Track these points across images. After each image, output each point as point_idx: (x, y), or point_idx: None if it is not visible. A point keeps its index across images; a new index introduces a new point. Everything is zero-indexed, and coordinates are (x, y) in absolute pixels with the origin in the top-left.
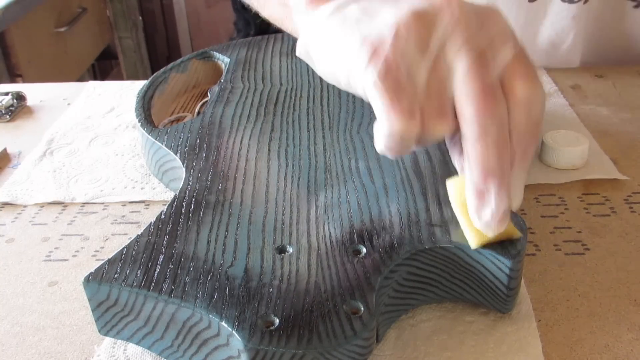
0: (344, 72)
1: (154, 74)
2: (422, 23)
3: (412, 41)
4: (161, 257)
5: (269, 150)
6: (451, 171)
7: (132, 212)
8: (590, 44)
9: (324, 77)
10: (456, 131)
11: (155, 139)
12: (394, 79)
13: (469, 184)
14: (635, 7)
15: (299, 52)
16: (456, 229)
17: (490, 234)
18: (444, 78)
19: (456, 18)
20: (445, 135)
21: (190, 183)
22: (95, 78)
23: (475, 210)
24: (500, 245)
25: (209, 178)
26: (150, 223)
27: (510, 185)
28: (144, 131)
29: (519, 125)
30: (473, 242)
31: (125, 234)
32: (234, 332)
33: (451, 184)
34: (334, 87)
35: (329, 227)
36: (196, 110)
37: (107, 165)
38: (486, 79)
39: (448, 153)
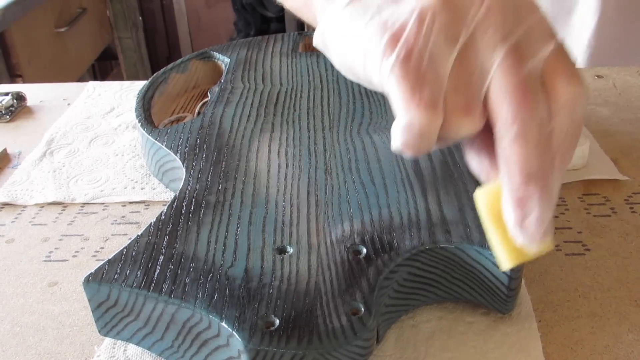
0: (360, 61)
1: (154, 74)
2: (450, 8)
3: (437, 27)
4: (161, 258)
5: (269, 150)
6: (451, 171)
7: (132, 212)
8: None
9: (340, 69)
10: (479, 133)
11: (155, 139)
12: (415, 66)
13: (507, 192)
14: None
15: (316, 41)
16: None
17: (534, 248)
18: (473, 71)
19: (489, 5)
20: (468, 135)
21: (190, 183)
22: (95, 78)
23: (516, 221)
24: None
25: (209, 178)
26: (150, 223)
27: (552, 193)
28: (144, 131)
29: (561, 127)
30: (508, 262)
31: (125, 235)
32: (234, 332)
33: (481, 194)
34: (334, 87)
35: (329, 227)
36: (196, 111)
37: (107, 165)
38: (525, 74)
39: (448, 153)
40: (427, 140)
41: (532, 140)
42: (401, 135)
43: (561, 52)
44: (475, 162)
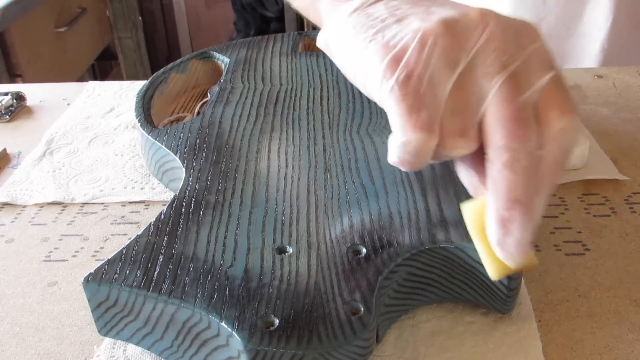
0: (361, 73)
1: (154, 74)
2: (452, 33)
3: (438, 52)
4: (161, 258)
5: (269, 150)
6: (451, 171)
7: (132, 212)
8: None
9: (342, 72)
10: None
11: (155, 139)
12: (414, 88)
13: (491, 212)
14: None
15: (319, 43)
16: (459, 232)
17: (513, 265)
18: (471, 96)
19: (490, 32)
20: (462, 155)
21: (190, 183)
22: (95, 78)
23: (497, 240)
24: None
25: (209, 178)
26: (150, 223)
27: (534, 214)
28: (143, 131)
29: (550, 156)
30: (493, 274)
31: (125, 234)
32: (233, 332)
33: (467, 208)
34: (334, 87)
35: (328, 227)
36: (196, 111)
37: (106, 165)
38: (520, 103)
39: None
40: (422, 158)
41: (521, 169)
42: (398, 152)
43: (558, 82)
44: (464, 176)
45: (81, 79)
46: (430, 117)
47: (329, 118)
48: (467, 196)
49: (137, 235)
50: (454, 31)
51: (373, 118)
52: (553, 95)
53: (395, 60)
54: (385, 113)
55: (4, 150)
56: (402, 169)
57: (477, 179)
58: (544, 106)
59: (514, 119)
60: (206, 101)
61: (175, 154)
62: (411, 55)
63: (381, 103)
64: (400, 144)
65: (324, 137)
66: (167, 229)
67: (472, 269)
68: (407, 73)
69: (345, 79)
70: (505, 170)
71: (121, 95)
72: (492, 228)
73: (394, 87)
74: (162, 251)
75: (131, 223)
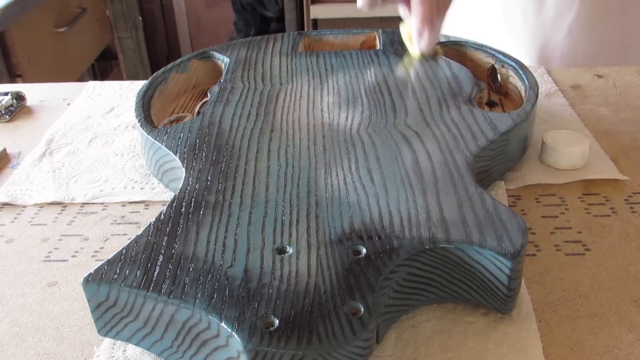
0: None
1: (154, 74)
2: None
3: None
4: (161, 258)
5: (269, 150)
6: (451, 171)
7: (132, 212)
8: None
9: None
10: None
11: (155, 139)
12: None
13: (413, 27)
14: None
15: None
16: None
17: (427, 51)
18: None
19: None
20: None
21: (190, 183)
22: (95, 78)
23: (416, 42)
24: (500, 246)
25: (209, 178)
26: (150, 223)
27: (435, 26)
28: (143, 131)
29: None
30: (416, 56)
31: (125, 235)
32: (233, 332)
33: (402, 28)
34: (334, 87)
35: (328, 227)
36: (196, 110)
37: (106, 165)
38: None
39: (448, 153)
40: (375, 1)
41: (427, 2)
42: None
43: None
44: (402, 10)
45: (81, 79)
46: None
47: (329, 118)
48: (467, 197)
49: (137, 236)
50: None
51: (373, 118)
52: None
53: None
54: (384, 113)
55: (4, 150)
56: (365, 8)
57: (407, 11)
58: None
59: None
60: (206, 101)
61: (175, 154)
62: None
63: None
64: None
65: (324, 137)
66: (167, 229)
67: (472, 269)
68: None
69: (344, 79)
70: (419, 3)
71: (121, 95)
72: (414, 35)
73: None
74: (162, 251)
75: (131, 223)
